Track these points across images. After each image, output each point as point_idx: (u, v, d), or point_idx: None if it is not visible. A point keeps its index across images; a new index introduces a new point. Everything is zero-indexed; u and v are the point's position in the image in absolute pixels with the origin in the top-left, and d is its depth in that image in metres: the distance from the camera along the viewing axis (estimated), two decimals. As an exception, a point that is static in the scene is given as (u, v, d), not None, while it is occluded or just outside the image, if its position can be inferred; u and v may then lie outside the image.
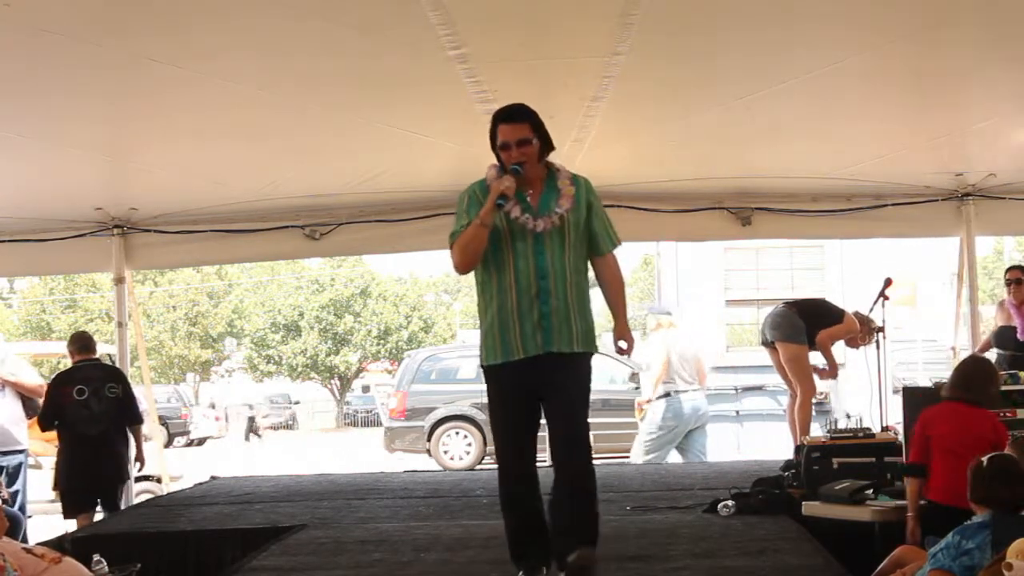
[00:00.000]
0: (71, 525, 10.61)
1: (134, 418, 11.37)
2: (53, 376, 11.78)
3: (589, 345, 6.57)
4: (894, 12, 7.67)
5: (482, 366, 6.68)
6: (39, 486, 13.28)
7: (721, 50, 8.26)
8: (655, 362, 14.00)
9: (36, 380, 11.75)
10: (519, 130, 6.48)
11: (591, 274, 6.84)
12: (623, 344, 6.77)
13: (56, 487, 11.24)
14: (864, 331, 10.99)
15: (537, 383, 6.44)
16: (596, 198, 6.73)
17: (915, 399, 8.74)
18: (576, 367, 6.51)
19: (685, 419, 13.82)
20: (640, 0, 7.26)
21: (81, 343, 11.50)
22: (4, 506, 8.69)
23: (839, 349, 11.69)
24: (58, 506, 11.59)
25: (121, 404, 11.13)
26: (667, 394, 13.73)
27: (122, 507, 11.23)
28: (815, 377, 11.40)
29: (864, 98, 9.40)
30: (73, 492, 10.98)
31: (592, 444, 6.54)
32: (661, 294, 25.83)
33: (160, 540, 8.90)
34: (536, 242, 6.43)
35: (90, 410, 10.94)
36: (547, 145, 6.65)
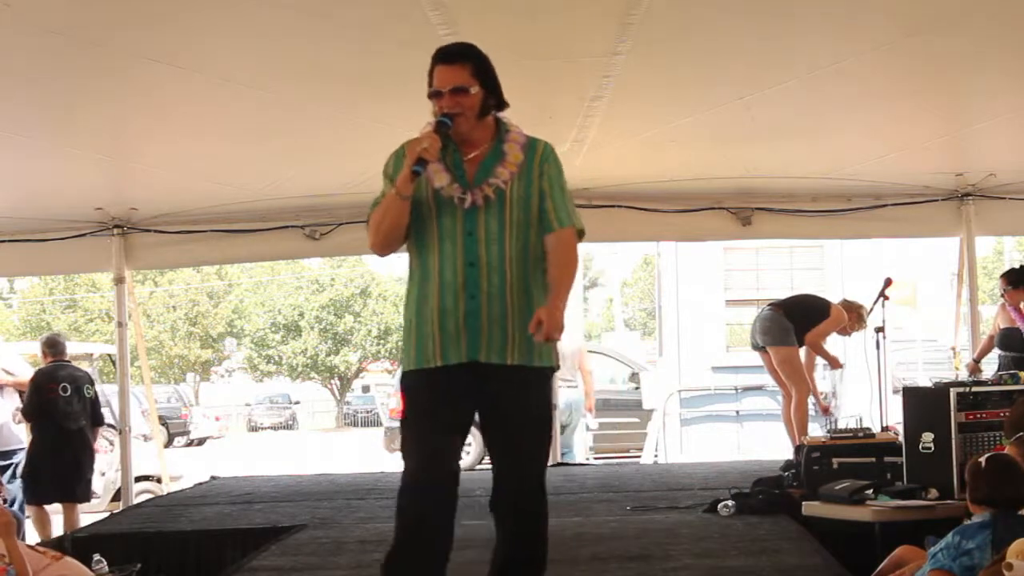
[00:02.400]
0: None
1: (100, 419, 12.36)
2: (37, 372, 12.14)
3: (536, 357, 5.16)
4: (894, 12, 7.69)
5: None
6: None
7: (721, 50, 8.27)
8: None
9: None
10: (455, 74, 5.09)
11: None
12: (538, 324, 4.93)
13: (25, 475, 11.71)
14: (853, 318, 10.97)
15: (469, 401, 5.17)
16: (557, 169, 5.33)
17: (915, 399, 8.77)
18: (522, 386, 5.13)
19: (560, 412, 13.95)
20: (640, 0, 7.29)
21: (57, 345, 12.25)
22: (3, 505, 8.71)
23: (839, 347, 11.71)
24: (59, 505, 11.70)
25: (94, 405, 12.09)
26: None
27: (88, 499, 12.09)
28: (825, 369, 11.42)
29: (864, 98, 9.41)
30: (45, 482, 11.57)
31: (546, 495, 5.40)
32: (661, 294, 25.88)
33: (160, 540, 8.90)
34: (467, 220, 5.08)
35: (72, 407, 11.75)
36: (495, 97, 5.26)
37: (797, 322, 10.94)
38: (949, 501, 7.80)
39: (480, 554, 7.50)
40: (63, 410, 11.68)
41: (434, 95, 5.12)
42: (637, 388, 21.60)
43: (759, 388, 19.44)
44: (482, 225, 5.09)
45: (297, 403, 62.00)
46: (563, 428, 14.01)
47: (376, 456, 24.08)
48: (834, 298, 11.53)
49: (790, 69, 8.60)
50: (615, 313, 51.89)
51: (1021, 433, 6.87)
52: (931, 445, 8.39)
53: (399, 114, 9.01)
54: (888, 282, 11.19)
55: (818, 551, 7.39)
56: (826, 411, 11.54)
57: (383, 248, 5.28)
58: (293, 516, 9.26)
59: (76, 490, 11.67)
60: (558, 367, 5.34)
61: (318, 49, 7.57)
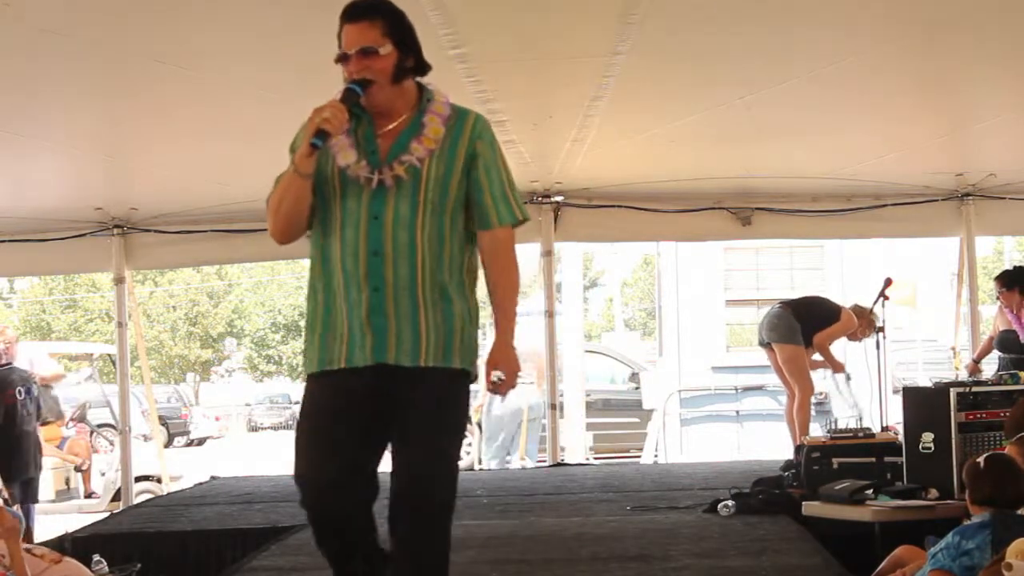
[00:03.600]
0: (71, 525, 10.64)
1: (41, 418, 12.65)
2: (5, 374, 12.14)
3: (454, 358, 4.44)
4: (895, 12, 7.69)
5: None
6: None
7: (721, 50, 8.27)
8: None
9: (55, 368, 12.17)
10: (362, 33, 4.35)
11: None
12: (497, 376, 4.44)
13: None
14: (864, 324, 10.98)
15: (384, 405, 4.43)
16: (493, 146, 4.55)
17: (915, 399, 8.78)
18: (436, 390, 4.40)
19: (512, 413, 14.20)
20: (641, 1, 7.29)
21: None
22: (4, 507, 8.72)
23: (840, 349, 11.71)
24: (59, 505, 11.77)
25: (37, 404, 12.25)
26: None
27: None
28: (826, 371, 11.43)
29: (864, 98, 9.42)
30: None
31: (451, 513, 4.52)
32: (661, 294, 25.89)
33: (160, 540, 8.90)
34: (373, 202, 4.37)
35: (27, 409, 11.89)
36: (413, 58, 4.49)
37: (805, 323, 10.96)
38: (949, 501, 7.78)
39: (480, 553, 7.53)
40: (20, 413, 11.81)
41: (341, 59, 4.44)
42: (637, 388, 21.63)
43: (759, 388, 19.45)
44: (391, 208, 4.37)
45: (297, 403, 61.55)
46: (518, 425, 14.07)
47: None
48: (836, 298, 11.55)
49: (790, 69, 8.61)
50: (615, 313, 51.84)
51: (1022, 433, 6.88)
52: (931, 445, 8.39)
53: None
54: (888, 282, 11.21)
55: (818, 551, 7.39)
56: (839, 368, 11.50)
57: (283, 234, 4.54)
58: (293, 516, 9.24)
59: (24, 490, 11.73)
60: (476, 377, 4.56)
61: (318, 48, 7.57)
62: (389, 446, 4.50)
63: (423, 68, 4.55)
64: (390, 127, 4.46)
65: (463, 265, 4.52)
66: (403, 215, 4.36)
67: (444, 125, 4.47)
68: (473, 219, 4.54)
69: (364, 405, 4.38)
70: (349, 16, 4.40)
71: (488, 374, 4.35)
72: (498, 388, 4.39)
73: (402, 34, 4.43)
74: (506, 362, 4.38)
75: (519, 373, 4.43)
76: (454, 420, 4.49)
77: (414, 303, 4.34)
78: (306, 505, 4.46)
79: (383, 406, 4.38)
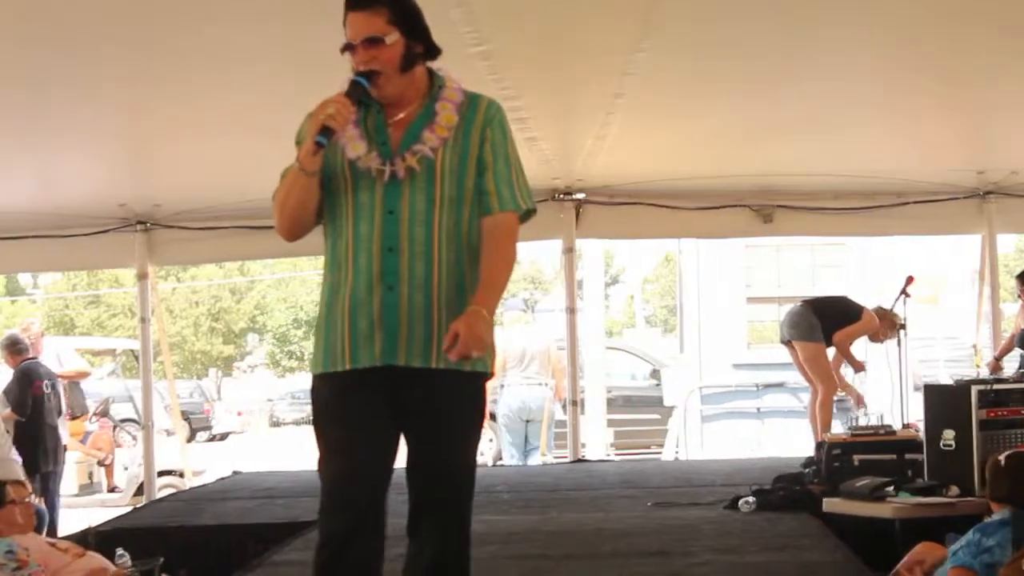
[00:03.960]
0: (94, 519, 10.69)
1: (64, 413, 12.72)
2: (23, 369, 12.23)
3: (468, 361, 4.08)
4: (914, 7, 7.69)
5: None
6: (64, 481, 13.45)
7: (743, 47, 8.26)
8: (514, 354, 14.34)
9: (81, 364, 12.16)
10: (367, 21, 4.09)
11: None
12: (453, 337, 3.99)
13: None
14: (886, 325, 10.96)
15: (394, 405, 4.16)
16: (505, 133, 4.33)
17: (936, 396, 8.77)
18: (449, 393, 4.14)
19: (516, 412, 14.05)
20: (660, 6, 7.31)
21: (23, 344, 12.37)
22: (28, 502, 8.77)
23: (860, 347, 11.69)
24: (82, 500, 11.83)
25: (59, 398, 12.38)
26: (500, 386, 14.04)
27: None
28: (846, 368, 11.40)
29: (886, 95, 9.41)
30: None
31: (467, 523, 4.32)
32: (683, 291, 25.90)
33: (182, 534, 8.95)
34: (388, 196, 4.11)
35: (51, 403, 12.09)
36: (422, 44, 4.23)
37: (826, 321, 10.94)
38: (970, 498, 7.78)
39: (501, 549, 7.55)
40: (47, 406, 12.02)
41: (346, 48, 4.15)
42: (658, 385, 21.64)
43: (780, 385, 19.46)
44: (406, 202, 4.10)
45: (319, 399, 62.03)
46: (528, 424, 14.05)
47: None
48: (857, 296, 11.54)
49: (812, 66, 8.61)
50: (636, 310, 51.93)
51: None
52: (952, 442, 8.39)
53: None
54: (910, 280, 11.20)
55: (838, 547, 7.40)
56: (860, 402, 11.49)
57: (290, 231, 4.28)
58: (314, 511, 9.25)
59: (45, 482, 11.84)
60: (493, 375, 4.32)
61: (339, 43, 7.59)
62: (404, 445, 4.29)
63: (433, 53, 4.28)
64: (401, 116, 4.21)
65: (477, 264, 4.20)
66: (420, 209, 4.11)
67: (457, 112, 4.22)
68: (481, 205, 4.25)
69: (371, 406, 4.12)
70: (353, 4, 4.13)
71: (450, 335, 3.96)
72: (451, 352, 3.97)
73: (409, 20, 4.17)
74: (468, 328, 3.95)
75: (479, 347, 4.02)
76: (469, 423, 4.27)
77: (428, 302, 4.08)
78: (333, 486, 4.24)
79: (393, 408, 4.13)
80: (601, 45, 8.22)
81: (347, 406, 4.16)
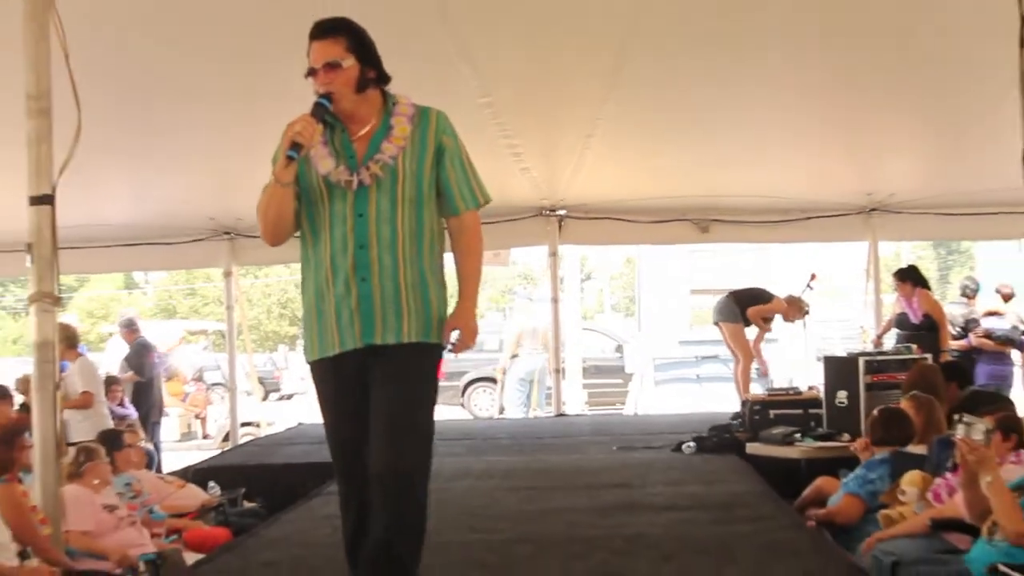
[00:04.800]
0: (192, 460, 10.72)
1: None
2: (140, 343, 12.44)
3: (432, 334, 3.91)
4: (816, 77, 7.75)
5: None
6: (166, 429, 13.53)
7: (686, 102, 8.31)
8: (510, 336, 14.71)
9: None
10: (327, 49, 3.82)
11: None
12: (454, 337, 3.95)
13: None
14: (794, 309, 10.96)
15: (365, 380, 3.90)
16: (455, 141, 4.00)
17: (832, 365, 8.80)
18: (406, 356, 3.87)
19: (528, 373, 14.19)
20: (623, 65, 7.32)
21: (137, 324, 12.76)
22: (140, 445, 8.78)
23: (778, 325, 11.68)
24: (182, 445, 11.86)
25: (163, 366, 13.27)
26: (514, 356, 14.27)
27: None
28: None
29: (796, 138, 9.49)
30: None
31: (424, 483, 3.89)
32: (640, 285, 25.89)
33: (259, 471, 8.96)
34: (357, 201, 3.84)
35: (158, 370, 12.87)
36: (375, 70, 3.92)
37: (745, 307, 10.94)
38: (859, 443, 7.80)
39: (501, 482, 7.55)
40: (155, 373, 12.48)
41: (310, 73, 3.86)
42: (621, 357, 21.57)
43: (714, 357, 19.34)
44: (373, 205, 3.84)
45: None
46: (529, 384, 14.21)
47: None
48: (773, 289, 11.52)
49: (739, 117, 8.64)
50: (604, 300, 51.78)
51: (913, 391, 6.89)
52: (845, 400, 8.41)
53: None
54: (813, 276, 11.27)
55: (758, 481, 7.40)
56: (765, 371, 11.51)
57: (272, 236, 3.98)
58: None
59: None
60: (446, 346, 3.97)
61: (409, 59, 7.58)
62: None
63: (384, 79, 3.96)
64: (363, 132, 3.91)
65: (436, 253, 3.97)
66: (384, 210, 3.83)
67: (410, 123, 3.92)
68: (442, 207, 3.99)
69: (356, 381, 3.86)
70: (315, 34, 3.85)
71: (447, 335, 3.80)
72: (455, 347, 3.84)
73: (363, 49, 3.87)
74: (466, 325, 3.83)
75: (474, 338, 3.87)
76: (426, 390, 3.92)
77: (396, 288, 3.82)
78: (339, 459, 3.99)
79: (370, 379, 3.86)
80: (578, 98, 8.23)
81: (334, 393, 3.94)
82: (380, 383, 3.84)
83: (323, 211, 3.86)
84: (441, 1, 6.34)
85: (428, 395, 3.94)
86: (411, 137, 3.88)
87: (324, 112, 3.80)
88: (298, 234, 4.04)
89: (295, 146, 3.73)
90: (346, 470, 3.96)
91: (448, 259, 4.10)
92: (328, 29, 3.82)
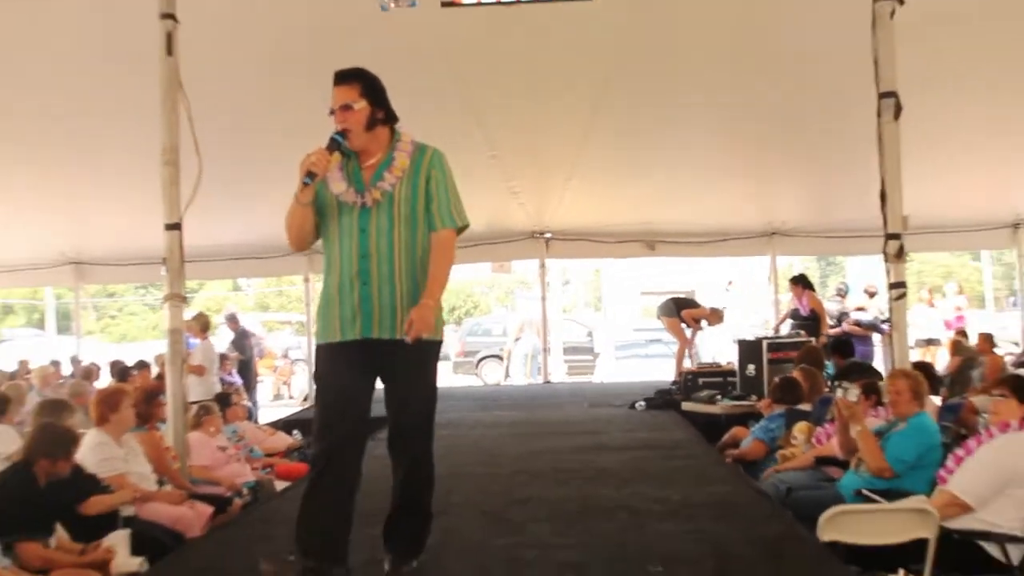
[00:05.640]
0: (281, 415, 10.74)
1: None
2: (242, 331, 12.43)
3: (422, 334, 3.41)
4: (727, 125, 7.78)
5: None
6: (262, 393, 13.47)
7: (638, 156, 8.35)
8: (513, 325, 15.52)
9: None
10: (344, 93, 3.53)
11: None
12: (410, 324, 3.37)
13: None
14: (715, 316, 10.94)
15: (371, 364, 3.53)
16: (444, 171, 3.63)
17: (744, 346, 8.80)
18: (411, 353, 3.43)
19: (531, 349, 14.79)
20: (595, 121, 7.34)
21: (238, 317, 12.72)
22: (243, 403, 8.79)
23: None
24: (274, 403, 11.82)
25: (258, 348, 13.16)
26: (517, 339, 14.94)
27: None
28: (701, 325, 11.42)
29: (719, 180, 9.55)
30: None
31: (432, 458, 3.65)
32: (604, 288, 25.86)
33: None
34: (361, 219, 3.55)
35: (254, 351, 12.61)
36: (384, 111, 3.59)
37: (679, 308, 10.94)
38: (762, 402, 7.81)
39: (506, 431, 7.50)
40: (253, 353, 12.38)
41: (331, 113, 3.55)
42: (591, 339, 21.56)
43: (658, 341, 19.35)
44: (374, 222, 3.52)
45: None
46: (526, 358, 14.61)
47: (447, 378, 23.68)
48: (701, 292, 11.54)
49: (674, 161, 8.70)
50: (579, 298, 51.75)
51: (802, 365, 6.90)
52: (753, 372, 8.43)
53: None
54: (730, 282, 11.29)
55: (691, 430, 7.41)
56: (691, 356, 11.52)
57: (296, 245, 3.71)
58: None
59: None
60: (442, 341, 3.60)
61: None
62: (381, 387, 3.60)
63: (392, 118, 3.61)
64: (370, 163, 3.58)
65: (427, 263, 3.56)
66: (383, 227, 3.51)
67: (409, 158, 3.58)
68: (427, 223, 3.59)
69: (354, 363, 3.48)
70: (336, 81, 3.54)
71: (408, 324, 3.36)
72: (407, 332, 3.35)
73: (374, 93, 3.55)
74: (420, 316, 3.36)
75: (428, 329, 3.40)
76: (424, 367, 3.56)
77: (392, 292, 3.48)
78: (326, 412, 3.53)
79: (369, 364, 3.49)
80: (560, 152, 8.26)
81: (335, 370, 3.53)
82: (392, 372, 3.53)
83: (335, 224, 3.58)
84: (452, 65, 6.32)
85: (430, 378, 3.60)
86: (408, 169, 3.56)
87: (337, 145, 3.49)
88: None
89: (310, 174, 3.44)
90: (334, 418, 3.48)
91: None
92: (345, 76, 3.54)
